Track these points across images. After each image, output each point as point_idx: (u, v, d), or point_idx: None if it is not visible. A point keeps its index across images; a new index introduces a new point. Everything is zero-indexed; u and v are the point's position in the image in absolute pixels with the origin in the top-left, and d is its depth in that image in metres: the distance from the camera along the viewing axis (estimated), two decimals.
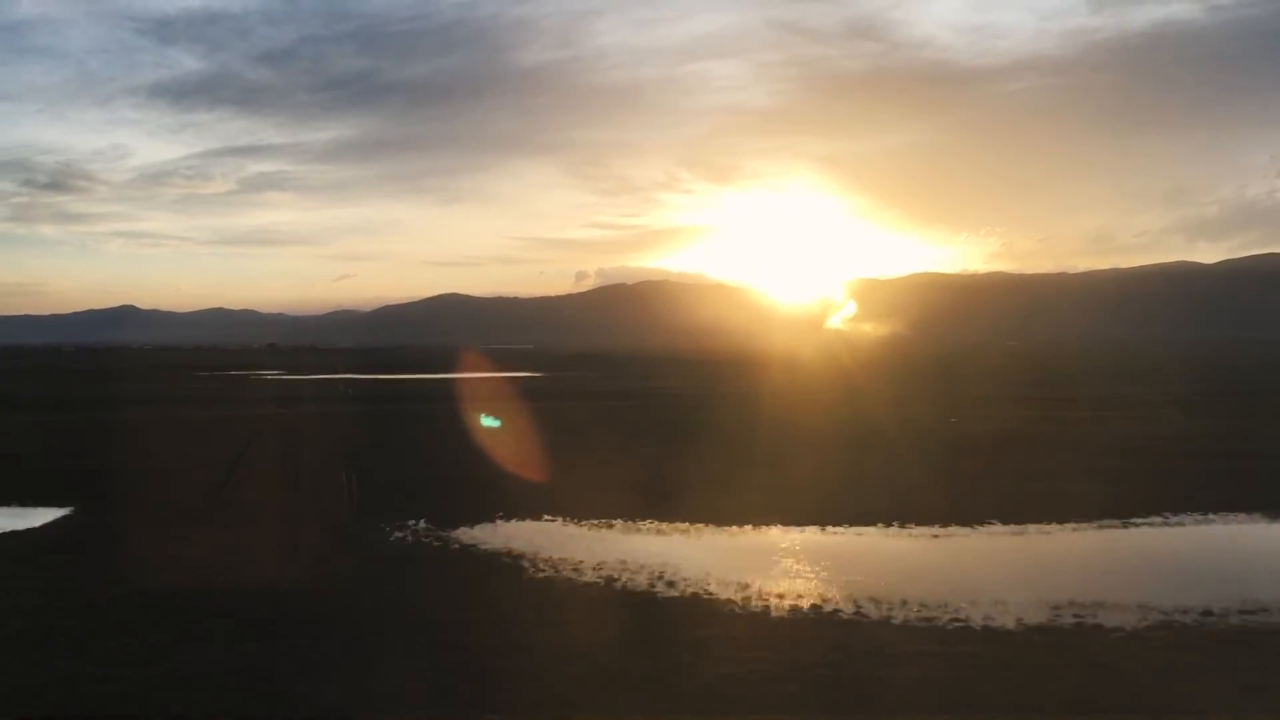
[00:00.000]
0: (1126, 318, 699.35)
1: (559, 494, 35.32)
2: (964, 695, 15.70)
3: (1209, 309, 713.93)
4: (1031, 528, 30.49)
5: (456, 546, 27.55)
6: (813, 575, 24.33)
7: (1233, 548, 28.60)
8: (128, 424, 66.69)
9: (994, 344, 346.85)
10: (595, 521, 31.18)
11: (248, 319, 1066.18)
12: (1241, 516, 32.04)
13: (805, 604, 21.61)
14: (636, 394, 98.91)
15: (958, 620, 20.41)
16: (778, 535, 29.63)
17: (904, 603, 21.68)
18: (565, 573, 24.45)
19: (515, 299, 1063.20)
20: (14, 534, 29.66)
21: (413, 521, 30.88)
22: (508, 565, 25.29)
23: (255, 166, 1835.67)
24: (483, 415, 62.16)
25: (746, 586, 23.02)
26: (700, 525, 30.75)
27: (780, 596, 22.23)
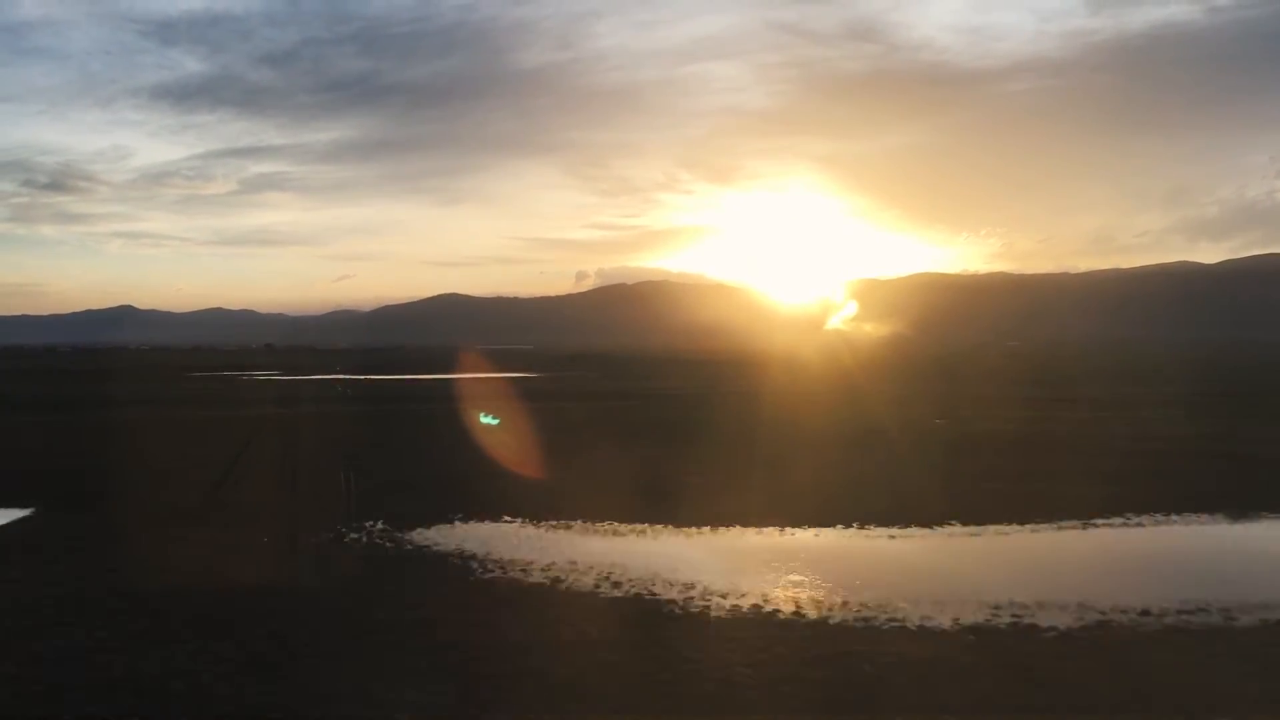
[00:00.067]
0: (1127, 318, 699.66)
1: (541, 495, 35.37)
2: (868, 694, 15.74)
3: (1210, 309, 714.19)
4: (990, 528, 30.53)
5: (409, 548, 27.59)
6: (760, 575, 24.33)
7: (1189, 548, 28.62)
8: (115, 424, 66.74)
9: (994, 344, 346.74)
10: (555, 523, 31.21)
11: (247, 319, 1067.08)
12: (1204, 517, 32.03)
13: (745, 604, 21.64)
14: (635, 394, 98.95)
15: (894, 620, 20.46)
16: (734, 536, 29.66)
17: (843, 604, 21.73)
18: (513, 574, 24.50)
19: (515, 299, 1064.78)
20: None
21: (370, 523, 30.89)
22: (456, 566, 25.34)
23: (256, 167, 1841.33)
24: (481, 414, 62.70)
25: (690, 587, 23.07)
26: (659, 526, 30.76)
27: (723, 597, 22.26)
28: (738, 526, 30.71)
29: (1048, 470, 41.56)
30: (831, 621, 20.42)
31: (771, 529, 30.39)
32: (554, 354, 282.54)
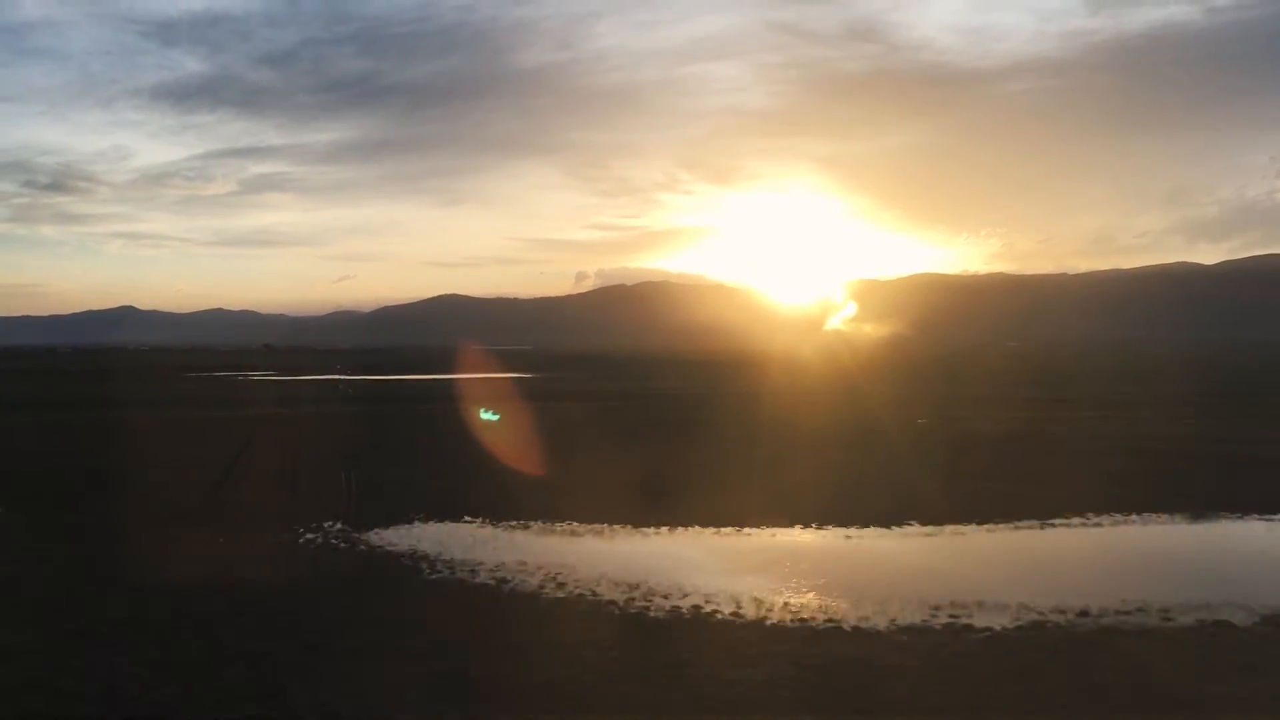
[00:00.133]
0: (1127, 318, 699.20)
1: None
2: (794, 694, 15.78)
3: (1210, 310, 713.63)
4: (947, 528, 30.56)
5: (363, 548, 27.65)
6: (708, 575, 24.36)
7: (1141, 549, 28.65)
8: (105, 424, 66.80)
9: (994, 345, 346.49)
10: (514, 523, 31.27)
11: (247, 320, 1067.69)
12: (1164, 517, 32.02)
13: (686, 604, 21.65)
14: (633, 395, 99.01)
15: (830, 621, 20.50)
16: (690, 537, 29.70)
17: (784, 605, 21.76)
18: (460, 574, 24.55)
19: (515, 299, 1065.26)
20: None
21: (329, 523, 30.93)
22: (407, 567, 25.39)
23: (256, 168, 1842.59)
24: (481, 410, 63.97)
25: (635, 588, 23.10)
26: (619, 527, 30.82)
27: (665, 597, 22.29)
28: (696, 527, 30.74)
29: (1018, 470, 41.59)
30: (769, 623, 20.44)
31: (729, 529, 30.42)
32: (553, 354, 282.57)
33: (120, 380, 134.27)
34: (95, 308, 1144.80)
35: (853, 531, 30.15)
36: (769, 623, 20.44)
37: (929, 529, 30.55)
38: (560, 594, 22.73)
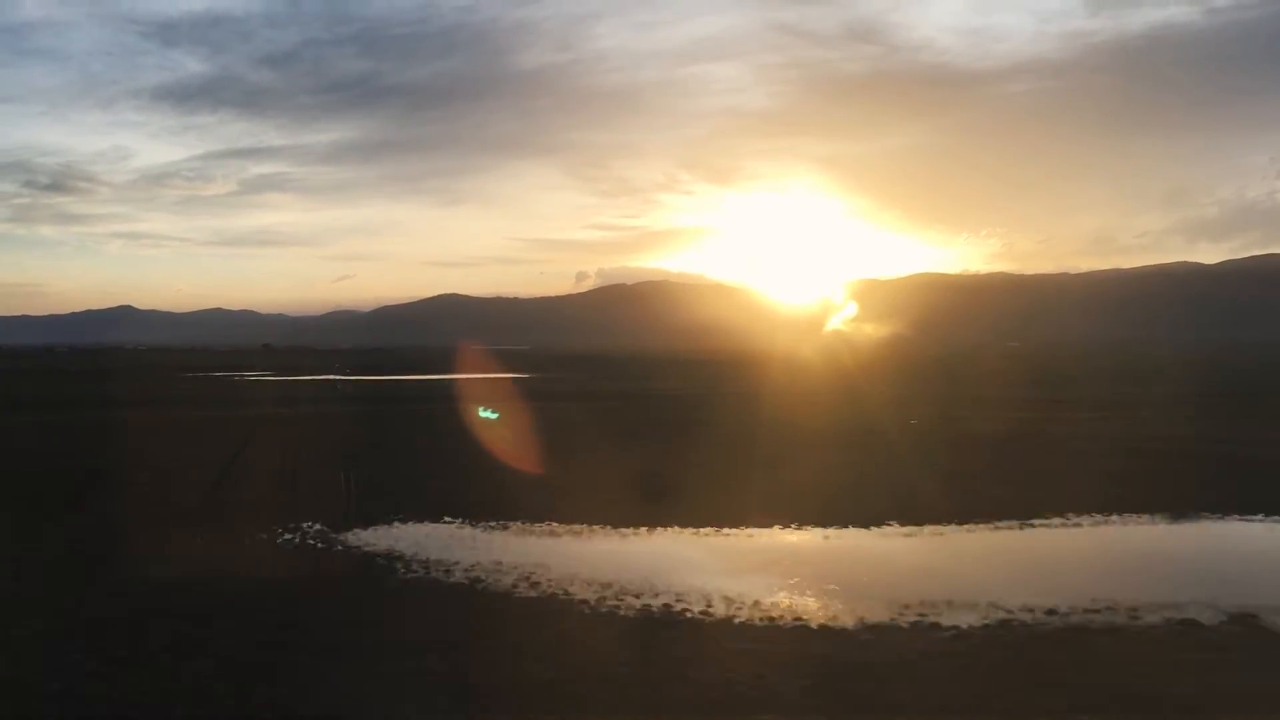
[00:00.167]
0: (1127, 318, 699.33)
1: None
2: (755, 691, 15.84)
3: (1210, 310, 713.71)
4: (926, 528, 30.61)
5: (340, 548, 27.72)
6: (674, 574, 24.41)
7: (1119, 548, 28.74)
8: (94, 424, 66.88)
9: (994, 345, 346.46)
10: (494, 523, 31.32)
11: (246, 319, 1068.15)
12: (1144, 517, 32.07)
13: (657, 603, 21.69)
14: (632, 395, 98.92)
15: (799, 619, 20.57)
16: (668, 537, 29.77)
17: (754, 603, 21.81)
18: (435, 574, 24.62)
19: (515, 299, 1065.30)
20: None
21: (308, 524, 30.98)
22: (382, 566, 25.45)
23: (256, 168, 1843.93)
24: (480, 408, 64.50)
25: (608, 587, 23.16)
26: (599, 527, 30.89)
27: (637, 596, 22.34)
28: (675, 527, 30.78)
29: (1003, 471, 41.67)
30: (736, 621, 20.51)
31: (708, 529, 30.48)
32: (553, 354, 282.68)
33: (113, 380, 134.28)
34: (95, 307, 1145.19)
35: (831, 532, 30.21)
36: (736, 621, 20.50)
37: (907, 529, 30.58)
38: (533, 593, 22.79)
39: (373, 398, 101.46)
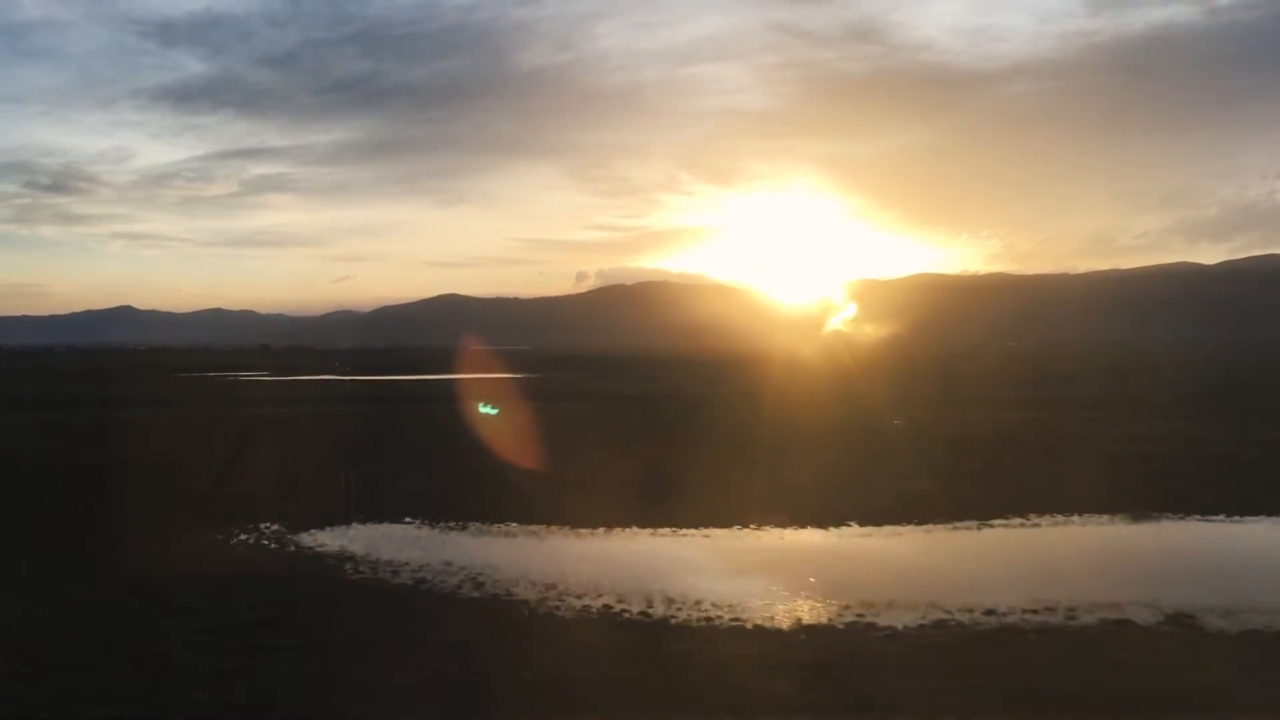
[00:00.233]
0: (1127, 319, 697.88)
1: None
2: (667, 692, 15.86)
3: (1210, 310, 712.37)
4: (884, 528, 30.63)
5: (292, 549, 27.76)
6: (620, 575, 24.42)
7: (1069, 548, 28.76)
8: (86, 424, 66.90)
9: (991, 345, 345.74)
10: (452, 524, 31.37)
11: (247, 320, 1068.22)
12: (1104, 518, 32.06)
13: (597, 604, 21.75)
14: (630, 396, 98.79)
15: (736, 620, 20.56)
16: (622, 539, 29.82)
17: (695, 603, 21.82)
18: (383, 574, 24.65)
19: (515, 299, 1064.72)
20: None
21: (266, 525, 31.00)
22: (330, 566, 25.49)
23: (257, 169, 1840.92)
24: (480, 404, 65.91)
25: (551, 588, 23.17)
26: (556, 528, 30.93)
27: (578, 597, 22.36)
28: (634, 527, 30.81)
29: (972, 471, 41.62)
30: (672, 622, 20.52)
31: (665, 530, 30.50)
32: (553, 354, 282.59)
33: (105, 381, 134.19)
34: (95, 308, 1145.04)
35: (787, 532, 30.24)
36: (672, 622, 20.52)
37: (865, 529, 30.62)
38: (475, 594, 22.83)
39: (369, 397, 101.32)
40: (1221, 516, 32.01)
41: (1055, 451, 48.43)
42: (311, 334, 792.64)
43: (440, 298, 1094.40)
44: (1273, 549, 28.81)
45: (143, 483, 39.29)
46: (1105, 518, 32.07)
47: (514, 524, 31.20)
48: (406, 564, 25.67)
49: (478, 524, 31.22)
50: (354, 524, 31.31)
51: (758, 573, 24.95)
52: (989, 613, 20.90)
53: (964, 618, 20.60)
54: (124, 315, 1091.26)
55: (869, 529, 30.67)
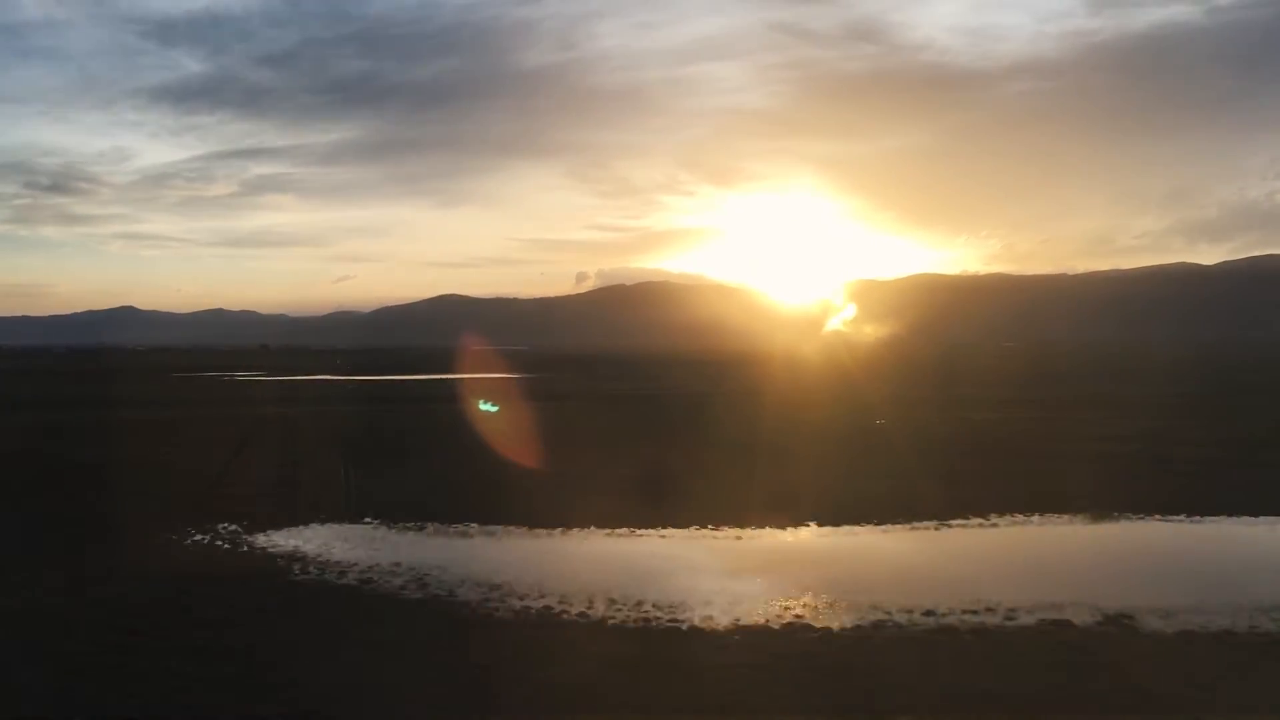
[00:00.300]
0: (1127, 319, 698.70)
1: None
2: (611, 693, 15.85)
3: (1209, 310, 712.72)
4: (843, 528, 30.58)
5: (244, 549, 27.73)
6: (567, 576, 24.38)
7: (1028, 549, 28.71)
8: (79, 425, 66.94)
9: (988, 345, 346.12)
10: (410, 524, 31.33)
11: (247, 320, 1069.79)
12: (1064, 518, 31.98)
13: (538, 605, 21.69)
14: (624, 396, 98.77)
15: (674, 621, 20.52)
16: (576, 539, 29.75)
17: (636, 604, 21.77)
18: (329, 575, 24.62)
19: (515, 300, 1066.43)
20: None
21: (224, 525, 30.98)
22: (280, 567, 25.46)
23: (257, 169, 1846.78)
24: (480, 401, 66.85)
25: (495, 589, 23.13)
26: (513, 528, 30.87)
27: (520, 598, 22.32)
28: (592, 527, 30.72)
29: (942, 471, 41.47)
30: (610, 623, 20.46)
31: (623, 530, 30.43)
32: (553, 355, 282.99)
33: (109, 381, 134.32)
34: (96, 308, 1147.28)
35: (745, 532, 30.13)
36: (610, 623, 20.46)
37: (823, 530, 30.57)
38: (419, 595, 22.80)
39: (364, 397, 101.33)
40: (1182, 517, 31.92)
41: (1030, 451, 48.38)
42: (312, 334, 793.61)
43: (441, 298, 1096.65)
44: (1222, 549, 28.68)
45: (127, 482, 39.28)
46: (1065, 518, 32.01)
47: (473, 524, 31.15)
48: (355, 565, 25.61)
49: (434, 524, 31.17)
50: (315, 524, 31.26)
51: (704, 573, 24.92)
52: (928, 613, 20.85)
53: (902, 619, 20.54)
54: (125, 315, 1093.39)
55: (826, 529, 30.60)
